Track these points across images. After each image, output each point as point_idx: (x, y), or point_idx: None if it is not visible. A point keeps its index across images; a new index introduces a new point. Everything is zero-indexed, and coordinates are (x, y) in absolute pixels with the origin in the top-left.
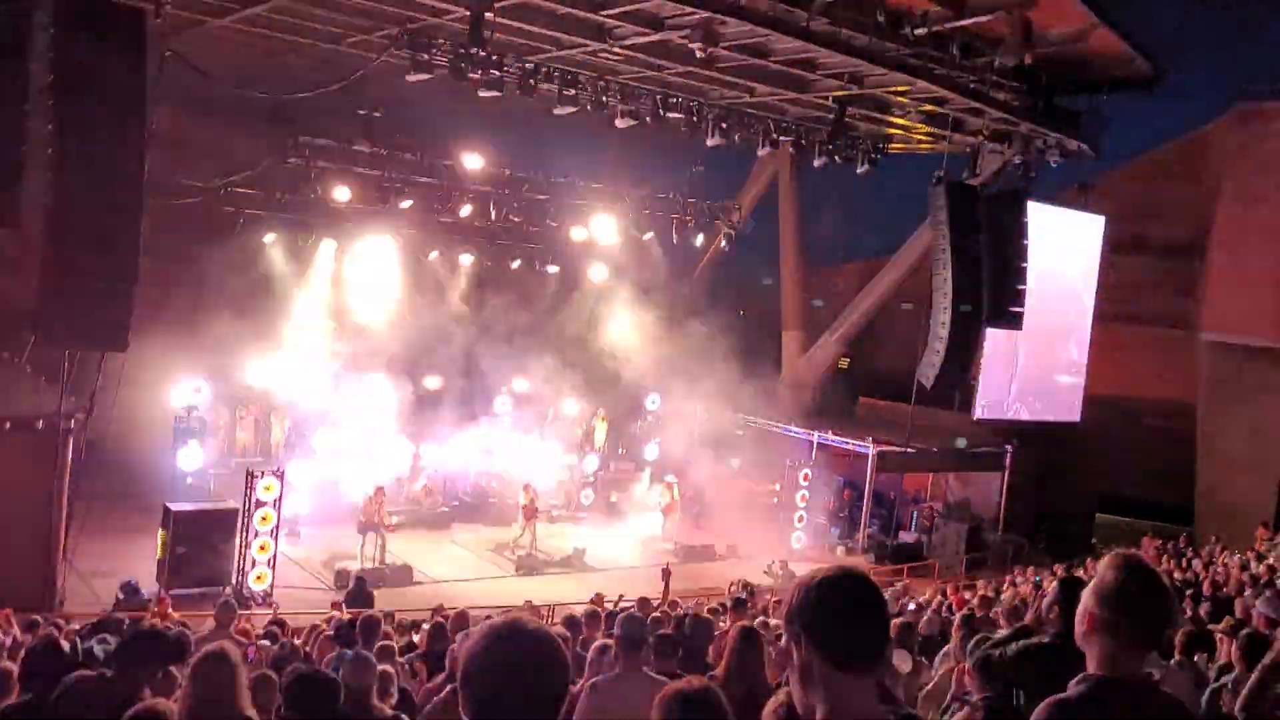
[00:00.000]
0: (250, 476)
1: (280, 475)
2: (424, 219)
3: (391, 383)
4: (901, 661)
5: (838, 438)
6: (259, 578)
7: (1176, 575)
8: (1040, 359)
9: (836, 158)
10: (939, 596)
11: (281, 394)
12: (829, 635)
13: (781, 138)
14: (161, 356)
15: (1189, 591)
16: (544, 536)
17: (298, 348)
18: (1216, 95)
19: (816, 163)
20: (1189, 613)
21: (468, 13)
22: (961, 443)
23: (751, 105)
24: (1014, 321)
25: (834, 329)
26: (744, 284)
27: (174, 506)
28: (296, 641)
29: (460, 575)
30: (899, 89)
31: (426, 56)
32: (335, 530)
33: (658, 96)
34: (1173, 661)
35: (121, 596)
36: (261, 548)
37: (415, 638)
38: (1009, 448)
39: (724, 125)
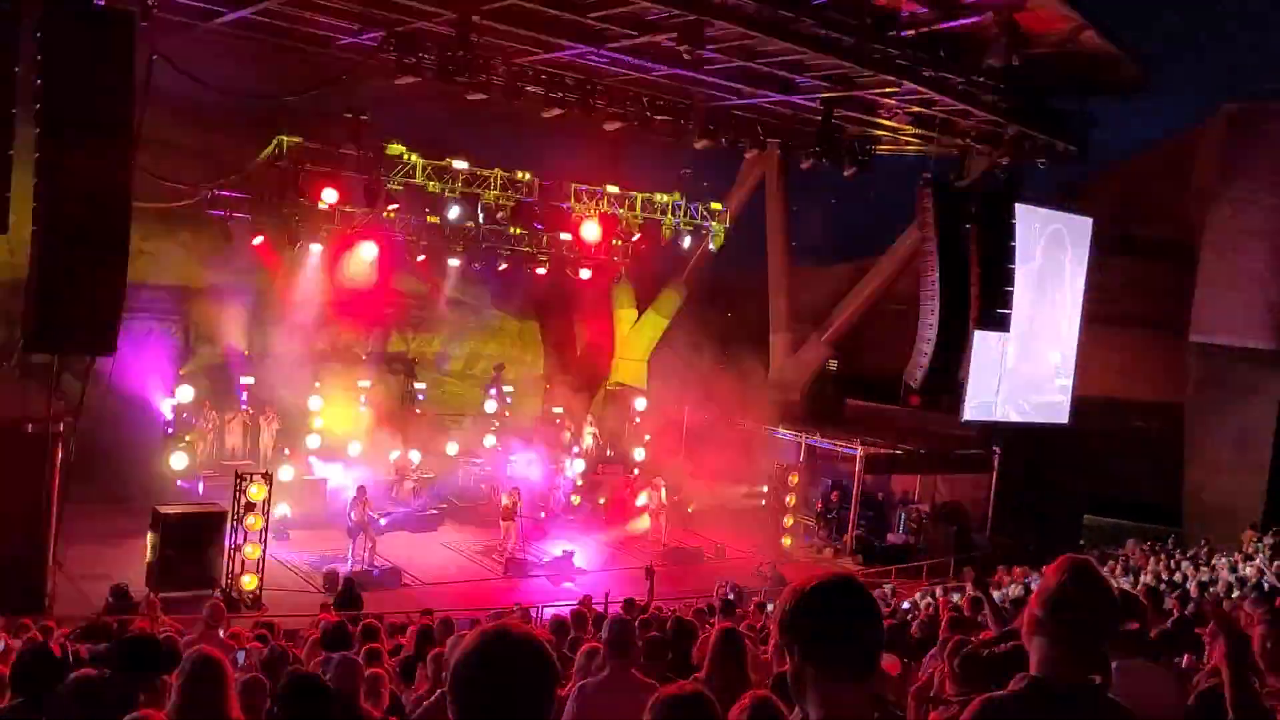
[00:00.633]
0: (239, 479)
1: (269, 478)
2: (411, 221)
3: (380, 384)
4: (890, 664)
5: (825, 439)
6: (249, 580)
7: (1164, 576)
8: (1028, 360)
9: (824, 159)
10: (927, 598)
11: (270, 397)
12: (822, 645)
13: (769, 139)
14: (150, 360)
15: (1175, 593)
16: (531, 539)
17: (286, 350)
18: (1204, 97)
19: (804, 164)
20: (1176, 614)
21: (455, 16)
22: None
23: (739, 107)
24: (1002, 323)
25: (822, 330)
26: (732, 286)
27: (163, 509)
28: (286, 644)
29: (449, 577)
30: (886, 90)
31: (414, 60)
32: (324, 532)
33: (645, 99)
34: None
35: (111, 600)
36: (251, 550)
37: (402, 641)
38: (997, 449)
39: (711, 127)
